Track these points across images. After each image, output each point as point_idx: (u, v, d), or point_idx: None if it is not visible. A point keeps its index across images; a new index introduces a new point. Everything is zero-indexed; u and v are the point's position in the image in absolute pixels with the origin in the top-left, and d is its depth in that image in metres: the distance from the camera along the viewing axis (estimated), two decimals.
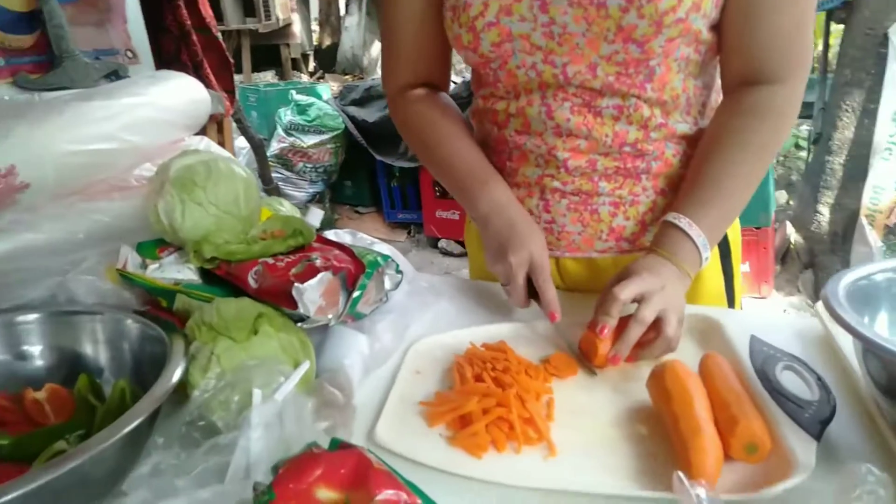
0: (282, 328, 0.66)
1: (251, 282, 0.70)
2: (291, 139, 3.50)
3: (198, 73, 2.03)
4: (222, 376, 0.61)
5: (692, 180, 0.77)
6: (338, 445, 0.50)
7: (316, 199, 3.65)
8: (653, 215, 0.83)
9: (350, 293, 0.69)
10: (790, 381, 0.62)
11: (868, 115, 2.48)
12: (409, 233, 3.66)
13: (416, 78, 0.90)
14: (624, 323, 0.69)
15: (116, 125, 1.00)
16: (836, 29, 2.70)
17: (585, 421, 0.63)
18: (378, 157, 3.38)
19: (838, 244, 2.63)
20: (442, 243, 3.45)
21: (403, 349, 0.77)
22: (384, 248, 0.92)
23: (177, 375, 0.57)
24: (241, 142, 3.76)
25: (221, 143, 2.77)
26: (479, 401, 0.63)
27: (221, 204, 0.79)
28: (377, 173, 3.55)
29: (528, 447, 0.60)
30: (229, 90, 2.62)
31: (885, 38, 2.41)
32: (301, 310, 0.66)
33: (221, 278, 0.74)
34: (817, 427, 0.57)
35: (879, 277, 0.64)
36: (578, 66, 0.75)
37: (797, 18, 0.73)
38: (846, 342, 0.70)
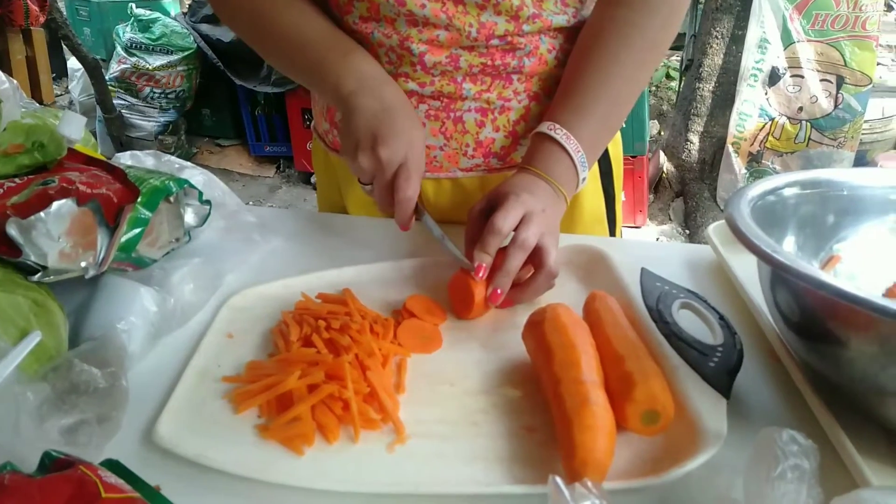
0: None
1: None
2: (134, 59, 3.00)
3: None
4: None
5: (569, 83, 0.65)
6: (52, 463, 0.35)
7: (169, 129, 3.20)
8: (526, 125, 0.69)
9: (114, 230, 0.48)
10: (689, 322, 0.52)
11: (736, 42, 2.50)
12: (278, 168, 3.34)
13: None
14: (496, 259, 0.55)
15: None
16: None
17: (446, 389, 0.48)
18: (238, 82, 3.00)
19: (706, 172, 2.70)
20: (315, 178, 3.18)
21: (215, 305, 0.58)
22: (196, 174, 0.70)
23: None
24: (75, 62, 3.21)
25: (32, 58, 2.30)
26: (301, 374, 0.46)
27: None
28: (239, 101, 3.16)
29: (368, 433, 0.44)
30: None
31: None
32: (30, 256, 0.45)
33: None
34: (725, 379, 0.46)
35: (787, 193, 0.54)
36: None
37: None
38: (743, 271, 0.60)
